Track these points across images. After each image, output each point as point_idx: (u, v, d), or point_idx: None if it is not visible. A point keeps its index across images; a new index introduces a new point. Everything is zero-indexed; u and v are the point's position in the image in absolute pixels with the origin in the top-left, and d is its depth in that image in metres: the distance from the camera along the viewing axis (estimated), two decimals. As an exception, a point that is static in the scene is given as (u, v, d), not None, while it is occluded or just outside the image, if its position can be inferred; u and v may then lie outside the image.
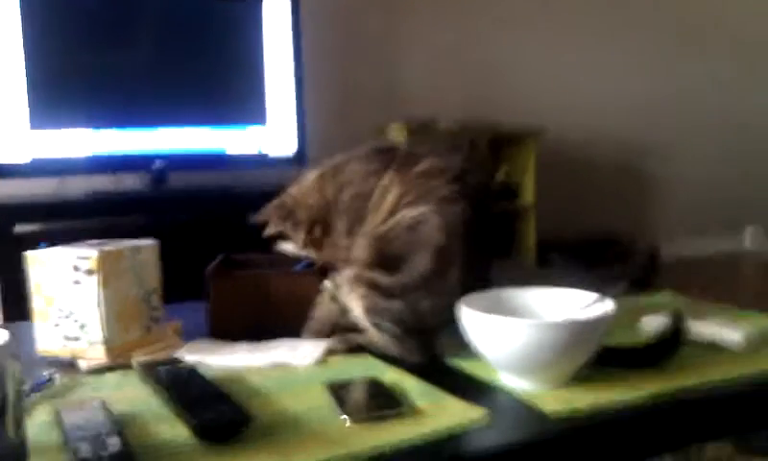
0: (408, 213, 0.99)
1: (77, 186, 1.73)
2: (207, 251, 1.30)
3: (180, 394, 0.82)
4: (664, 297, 1.28)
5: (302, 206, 1.10)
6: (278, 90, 1.78)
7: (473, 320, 0.87)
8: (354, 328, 1.04)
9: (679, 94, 2.81)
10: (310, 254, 1.12)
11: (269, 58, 1.76)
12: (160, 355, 0.99)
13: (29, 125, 1.54)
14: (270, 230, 1.13)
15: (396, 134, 2.24)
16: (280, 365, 0.97)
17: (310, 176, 1.12)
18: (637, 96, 2.75)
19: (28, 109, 1.52)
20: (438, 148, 1.07)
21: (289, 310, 1.11)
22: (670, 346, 0.92)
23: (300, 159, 1.84)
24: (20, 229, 1.56)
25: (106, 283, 0.98)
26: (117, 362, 0.98)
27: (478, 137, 2.40)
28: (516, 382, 0.87)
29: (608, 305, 0.89)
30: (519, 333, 0.83)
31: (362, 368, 0.96)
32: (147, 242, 1.07)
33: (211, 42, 1.75)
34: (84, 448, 0.66)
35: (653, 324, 1.05)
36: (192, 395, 0.81)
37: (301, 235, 1.10)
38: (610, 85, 2.68)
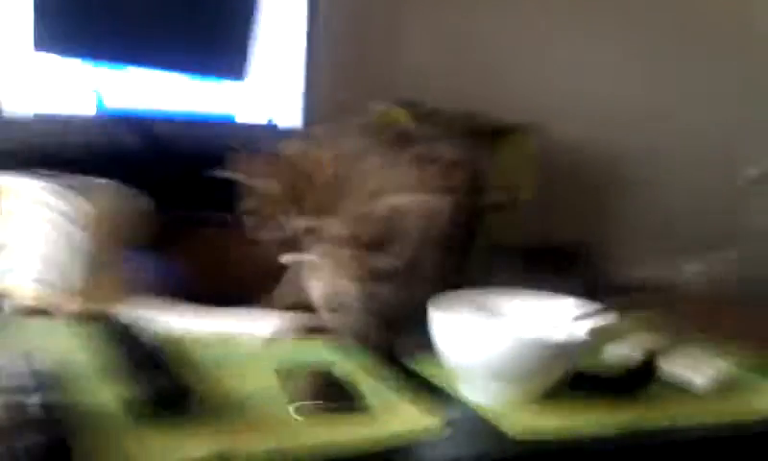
0: (392, 199, 0.93)
1: (72, 142, 1.56)
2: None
3: (115, 354, 0.75)
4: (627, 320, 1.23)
5: (288, 171, 1.01)
6: (280, 51, 1.68)
7: (439, 319, 0.82)
8: (312, 309, 0.97)
9: (678, 106, 2.77)
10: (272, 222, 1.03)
11: (268, 15, 1.65)
12: (100, 307, 0.91)
13: (33, 46, 1.41)
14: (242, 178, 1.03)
15: (396, 116, 2.16)
16: (227, 336, 0.90)
17: (297, 144, 1.03)
18: (633, 104, 2.71)
19: (33, 29, 1.39)
20: (432, 132, 1.01)
21: (247, 276, 1.05)
22: (641, 379, 0.88)
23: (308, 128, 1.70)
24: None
25: (53, 220, 0.90)
26: (50, 308, 0.90)
27: (472, 128, 2.34)
28: (476, 395, 0.82)
29: (588, 325, 0.84)
30: (491, 340, 0.78)
31: (313, 354, 0.89)
32: (105, 182, 0.99)
33: None
34: (-2, 404, 0.59)
35: (617, 352, 1.00)
36: (129, 358, 0.74)
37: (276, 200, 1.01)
38: (608, 89, 2.64)
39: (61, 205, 0.91)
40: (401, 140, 0.98)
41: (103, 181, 0.99)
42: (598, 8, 2.59)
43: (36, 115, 1.32)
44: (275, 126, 1.63)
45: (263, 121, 1.62)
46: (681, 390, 0.93)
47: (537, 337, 0.81)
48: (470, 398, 0.82)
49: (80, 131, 1.45)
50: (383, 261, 0.92)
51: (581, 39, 2.59)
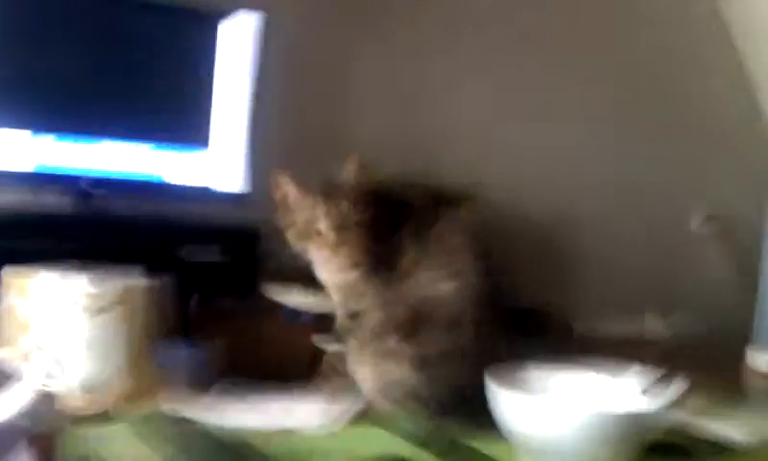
0: (423, 279, 0.94)
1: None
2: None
3: (186, 456, 0.73)
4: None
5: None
6: (225, 118, 1.66)
7: (504, 398, 0.83)
8: (356, 393, 0.97)
9: (611, 170, 2.88)
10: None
11: (218, 83, 1.65)
12: (148, 404, 0.89)
13: None
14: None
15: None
16: (290, 429, 0.89)
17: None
18: (566, 166, 2.80)
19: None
20: (448, 210, 1.03)
21: (279, 358, 1.05)
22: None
23: (243, 197, 1.68)
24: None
25: (99, 320, 0.87)
26: (100, 410, 0.87)
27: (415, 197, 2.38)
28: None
29: (661, 397, 0.86)
30: (561, 418, 0.80)
31: (377, 442, 0.89)
32: (139, 281, 0.96)
33: (161, 58, 1.61)
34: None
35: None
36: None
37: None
38: (543, 158, 2.73)
39: (89, 290, 0.88)
40: (424, 217, 1.00)
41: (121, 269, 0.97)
42: (546, 83, 2.70)
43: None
44: (207, 189, 1.59)
45: (195, 184, 1.58)
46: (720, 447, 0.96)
47: (618, 412, 0.83)
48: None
49: (7, 187, 1.39)
50: (425, 346, 0.93)
51: (525, 107, 2.69)
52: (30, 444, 0.50)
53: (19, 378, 0.56)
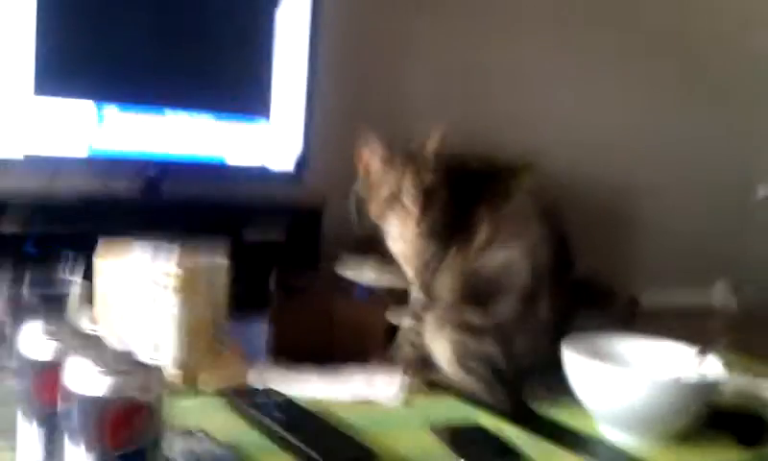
0: (497, 254, 0.97)
1: (66, 187, 1.53)
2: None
3: (285, 427, 0.77)
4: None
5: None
6: (286, 89, 1.63)
7: (583, 368, 0.85)
8: (431, 365, 1.00)
9: (672, 140, 2.83)
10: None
11: (279, 54, 1.62)
12: (231, 380, 0.93)
13: (33, 90, 1.38)
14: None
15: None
16: (362, 398, 0.92)
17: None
18: (626, 136, 2.76)
19: (34, 73, 1.37)
20: (518, 184, 1.05)
21: (353, 337, 1.07)
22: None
23: (300, 174, 1.67)
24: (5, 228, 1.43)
25: (185, 300, 0.92)
26: (190, 386, 0.92)
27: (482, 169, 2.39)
28: (619, 437, 0.85)
29: (716, 364, 0.87)
30: (638, 387, 0.81)
31: (455, 412, 0.92)
32: (220, 260, 1.01)
33: (223, 26, 1.60)
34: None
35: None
36: (299, 428, 0.76)
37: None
38: (601, 124, 2.69)
39: (189, 283, 0.93)
40: (498, 193, 1.01)
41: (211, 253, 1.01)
42: (600, 47, 2.67)
43: (26, 157, 1.30)
44: (267, 169, 1.58)
45: (255, 164, 1.57)
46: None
47: (677, 380, 0.84)
48: (613, 440, 0.85)
49: (71, 174, 1.42)
50: (498, 314, 0.95)
51: (582, 77, 2.66)
52: (129, 411, 0.54)
53: (125, 351, 0.60)
